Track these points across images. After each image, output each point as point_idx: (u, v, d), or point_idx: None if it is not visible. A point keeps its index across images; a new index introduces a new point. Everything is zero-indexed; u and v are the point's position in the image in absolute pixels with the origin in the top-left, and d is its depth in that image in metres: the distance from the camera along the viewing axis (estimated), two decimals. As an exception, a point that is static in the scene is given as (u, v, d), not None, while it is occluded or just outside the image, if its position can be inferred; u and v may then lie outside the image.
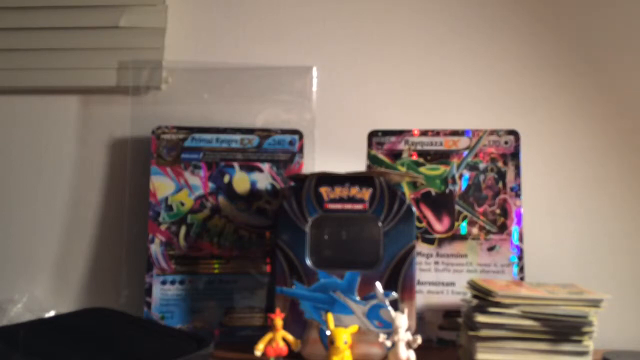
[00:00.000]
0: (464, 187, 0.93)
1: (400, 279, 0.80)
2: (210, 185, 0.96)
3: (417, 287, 0.89)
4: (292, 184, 0.96)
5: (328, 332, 0.75)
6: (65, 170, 1.04)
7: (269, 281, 0.93)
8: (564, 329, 0.72)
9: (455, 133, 0.95)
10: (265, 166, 0.97)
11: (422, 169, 0.94)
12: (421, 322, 0.88)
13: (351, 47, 1.03)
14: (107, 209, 1.03)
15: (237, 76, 1.02)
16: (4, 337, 0.72)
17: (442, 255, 0.92)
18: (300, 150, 0.98)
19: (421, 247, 0.92)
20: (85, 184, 1.03)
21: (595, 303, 0.73)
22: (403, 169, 0.95)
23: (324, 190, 0.83)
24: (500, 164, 0.93)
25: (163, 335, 0.76)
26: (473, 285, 0.79)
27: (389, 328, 0.76)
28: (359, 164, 0.96)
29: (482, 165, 0.93)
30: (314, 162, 1.00)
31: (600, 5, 1.01)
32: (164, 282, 0.93)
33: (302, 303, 0.82)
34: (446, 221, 0.93)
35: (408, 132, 0.96)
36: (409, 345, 0.75)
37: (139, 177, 0.99)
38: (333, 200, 0.83)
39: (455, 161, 0.94)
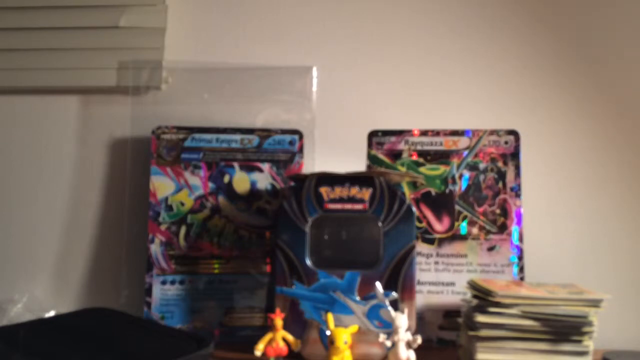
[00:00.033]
0: (464, 187, 0.93)
1: (400, 279, 0.80)
2: (210, 185, 0.96)
3: (417, 287, 0.89)
4: (292, 184, 0.96)
5: (328, 332, 0.75)
6: (65, 170, 1.04)
7: (269, 281, 0.93)
8: (564, 329, 0.72)
9: (455, 133, 0.95)
10: (265, 166, 0.97)
11: (422, 169, 0.94)
12: (421, 322, 0.88)
13: (351, 47, 1.03)
14: (107, 209, 1.03)
15: (237, 76, 1.02)
16: (4, 337, 0.72)
17: (442, 255, 0.92)
18: (300, 150, 0.98)
19: (421, 247, 0.92)
20: (85, 184, 1.03)
21: (595, 303, 0.73)
22: (403, 169, 0.95)
23: (324, 190, 0.83)
24: (500, 164, 0.93)
25: (163, 335, 0.76)
26: (473, 285, 0.79)
27: (389, 328, 0.76)
28: (359, 164, 0.96)
29: (482, 165, 0.93)
30: (314, 162, 1.00)
31: (600, 5, 1.01)
32: (164, 282, 0.93)
33: (302, 303, 0.82)
34: (446, 221, 0.93)
35: (408, 132, 0.96)
36: (409, 345, 0.75)
37: (139, 177, 0.99)
38: (333, 200, 0.83)
39: (455, 161, 0.94)
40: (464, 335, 0.80)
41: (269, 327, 0.78)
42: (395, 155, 0.95)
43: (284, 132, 0.98)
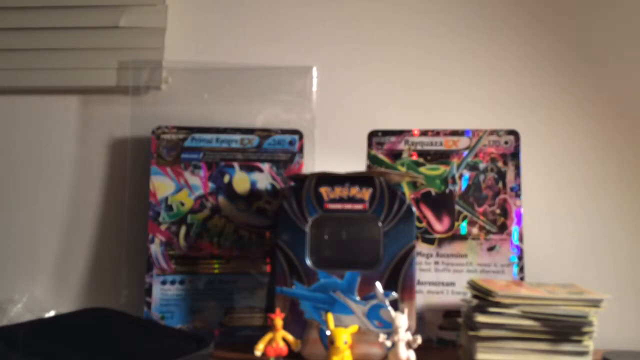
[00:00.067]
0: (464, 187, 0.93)
1: (400, 279, 0.80)
2: (210, 185, 0.96)
3: (417, 287, 0.89)
4: (292, 184, 0.96)
5: (328, 332, 0.75)
6: (65, 170, 1.04)
7: (269, 281, 0.93)
8: (564, 329, 0.72)
9: (455, 133, 0.95)
10: (265, 166, 0.97)
11: (422, 169, 0.94)
12: (421, 322, 0.88)
13: (351, 47, 1.03)
14: (107, 209, 1.03)
15: (237, 76, 1.02)
16: (4, 337, 0.72)
17: (442, 255, 0.92)
18: (300, 150, 0.98)
19: (421, 247, 0.92)
20: (85, 184, 1.03)
21: (595, 303, 0.73)
22: (403, 169, 0.95)
23: (324, 190, 0.83)
24: (500, 164, 0.93)
25: (163, 335, 0.76)
26: (473, 285, 0.79)
27: (389, 328, 0.76)
28: (359, 164, 0.96)
29: (482, 165, 0.93)
30: (314, 162, 1.00)
31: (600, 5, 1.01)
32: (164, 282, 0.93)
33: (302, 303, 0.82)
34: (446, 221, 0.93)
35: (408, 132, 0.96)
36: (409, 345, 0.75)
37: (139, 177, 0.99)
38: (333, 200, 0.83)
39: (455, 161, 0.94)
40: (464, 335, 0.80)
41: (269, 327, 0.78)
42: (395, 155, 0.95)
43: (284, 132, 0.98)
